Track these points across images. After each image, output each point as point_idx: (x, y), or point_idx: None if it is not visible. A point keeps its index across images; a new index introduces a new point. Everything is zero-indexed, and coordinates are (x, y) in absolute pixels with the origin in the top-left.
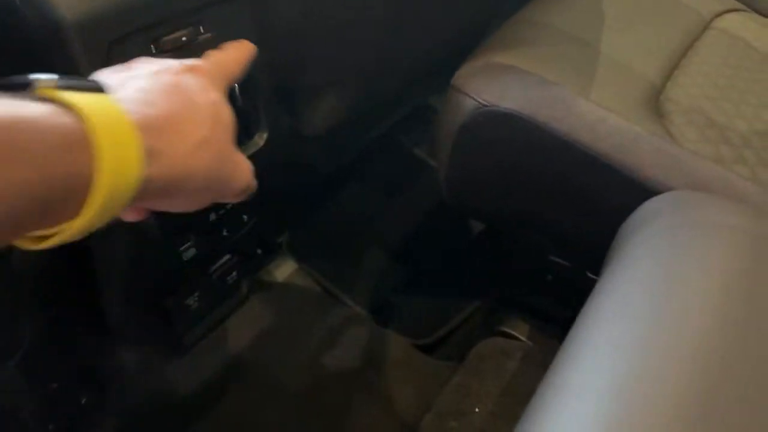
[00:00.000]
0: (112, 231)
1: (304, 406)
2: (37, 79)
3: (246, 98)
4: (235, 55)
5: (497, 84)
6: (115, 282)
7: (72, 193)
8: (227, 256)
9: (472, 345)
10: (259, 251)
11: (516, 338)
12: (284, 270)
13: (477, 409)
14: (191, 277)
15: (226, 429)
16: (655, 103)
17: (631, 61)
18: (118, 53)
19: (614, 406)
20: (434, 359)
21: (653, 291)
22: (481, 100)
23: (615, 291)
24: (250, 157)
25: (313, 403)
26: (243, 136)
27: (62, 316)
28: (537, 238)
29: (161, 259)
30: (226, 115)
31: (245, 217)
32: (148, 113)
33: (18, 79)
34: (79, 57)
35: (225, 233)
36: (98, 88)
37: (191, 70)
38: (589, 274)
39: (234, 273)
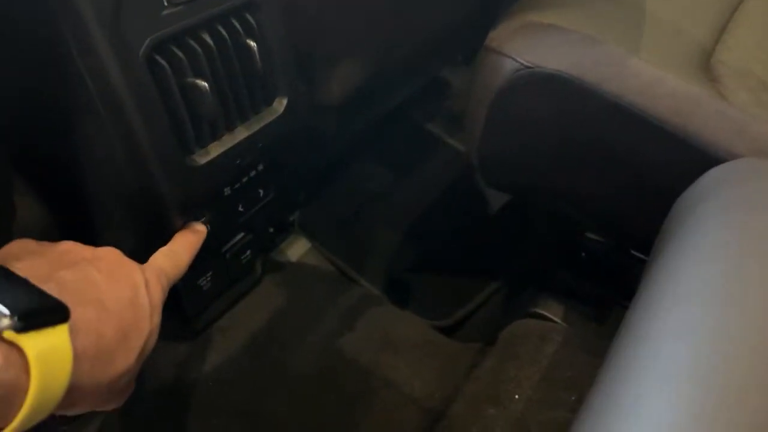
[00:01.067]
0: (120, 205)
1: (319, 391)
2: (2, 326)
3: (265, 60)
4: (185, 255)
5: (539, 44)
6: None
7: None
8: (241, 235)
9: (496, 326)
10: (271, 230)
11: (550, 320)
12: (297, 249)
13: (516, 396)
14: (203, 256)
15: (239, 413)
16: (705, 66)
17: (678, 21)
18: (126, 5)
19: (703, 393)
20: (455, 341)
21: (727, 269)
22: (522, 61)
23: (679, 271)
24: (269, 126)
25: (328, 388)
26: (262, 103)
27: None
28: (575, 214)
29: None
30: (153, 340)
31: (261, 191)
32: (92, 346)
33: None
34: (85, 12)
35: (240, 209)
36: (61, 320)
37: (149, 284)
38: (635, 253)
39: (248, 252)
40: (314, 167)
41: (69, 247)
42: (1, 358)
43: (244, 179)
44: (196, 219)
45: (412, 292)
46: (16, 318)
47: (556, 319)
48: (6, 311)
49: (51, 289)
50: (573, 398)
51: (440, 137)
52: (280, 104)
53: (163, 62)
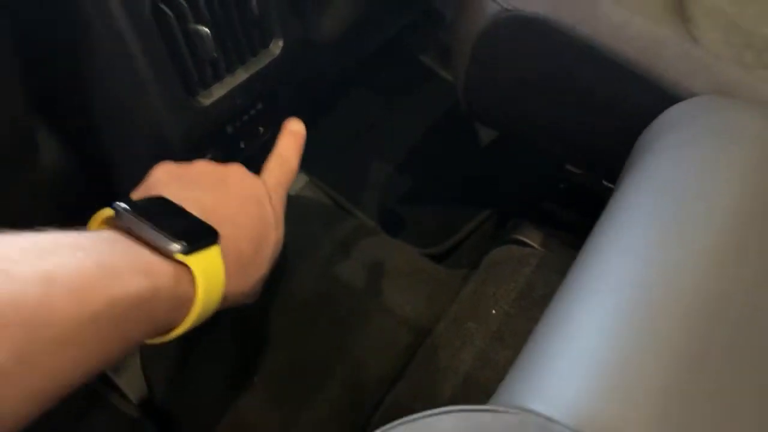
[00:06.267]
0: (133, 144)
1: (315, 314)
2: (174, 250)
3: (261, 4)
4: (294, 161)
5: None
6: None
7: (171, 325)
8: None
9: (483, 254)
10: None
11: (530, 246)
12: (294, 183)
13: (493, 311)
14: None
15: (240, 336)
16: (679, 6)
17: None
18: None
19: (633, 303)
20: (445, 268)
21: (672, 196)
22: (504, 4)
23: (633, 198)
24: (266, 67)
25: (325, 311)
26: (259, 45)
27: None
28: (554, 147)
29: None
30: (279, 246)
31: (261, 129)
32: (235, 261)
33: (163, 240)
34: None
35: (242, 146)
36: (213, 242)
37: (272, 197)
38: (606, 183)
39: None
40: (311, 102)
41: (203, 168)
42: (174, 276)
43: (245, 117)
44: (202, 156)
45: (405, 222)
46: (184, 243)
47: (534, 244)
48: (176, 239)
49: (194, 211)
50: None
51: (433, 69)
52: (277, 46)
53: (168, 11)
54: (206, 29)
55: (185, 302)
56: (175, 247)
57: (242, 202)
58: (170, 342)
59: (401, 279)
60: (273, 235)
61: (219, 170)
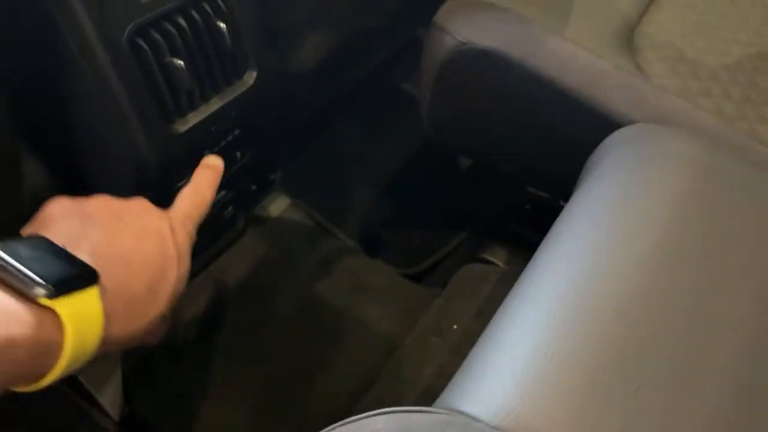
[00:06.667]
0: (113, 168)
1: (297, 329)
2: (38, 293)
3: (234, 38)
4: (207, 193)
5: (476, 22)
6: None
7: (39, 373)
8: (222, 192)
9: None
10: (253, 187)
11: (494, 264)
12: (278, 205)
13: (455, 326)
14: None
15: (222, 351)
16: (629, 39)
17: None
18: None
19: (562, 307)
20: (420, 287)
21: (606, 214)
22: (460, 38)
23: (575, 216)
24: (240, 96)
25: (305, 327)
26: (233, 76)
27: None
28: (514, 170)
29: (161, 196)
30: (183, 284)
31: (238, 154)
32: (121, 303)
33: (26, 282)
34: (75, 7)
35: None
36: (90, 283)
37: (176, 232)
38: (562, 203)
39: (230, 208)
40: (292, 129)
41: (100, 203)
42: (36, 321)
43: (222, 143)
44: (181, 179)
45: (383, 243)
46: (50, 286)
47: (498, 262)
48: (40, 281)
49: (83, 250)
50: None
51: (415, 96)
52: (250, 77)
53: (144, 45)
54: (181, 62)
55: (51, 348)
56: (39, 291)
57: (138, 239)
58: (153, 358)
59: (379, 296)
60: (174, 271)
61: (116, 205)
